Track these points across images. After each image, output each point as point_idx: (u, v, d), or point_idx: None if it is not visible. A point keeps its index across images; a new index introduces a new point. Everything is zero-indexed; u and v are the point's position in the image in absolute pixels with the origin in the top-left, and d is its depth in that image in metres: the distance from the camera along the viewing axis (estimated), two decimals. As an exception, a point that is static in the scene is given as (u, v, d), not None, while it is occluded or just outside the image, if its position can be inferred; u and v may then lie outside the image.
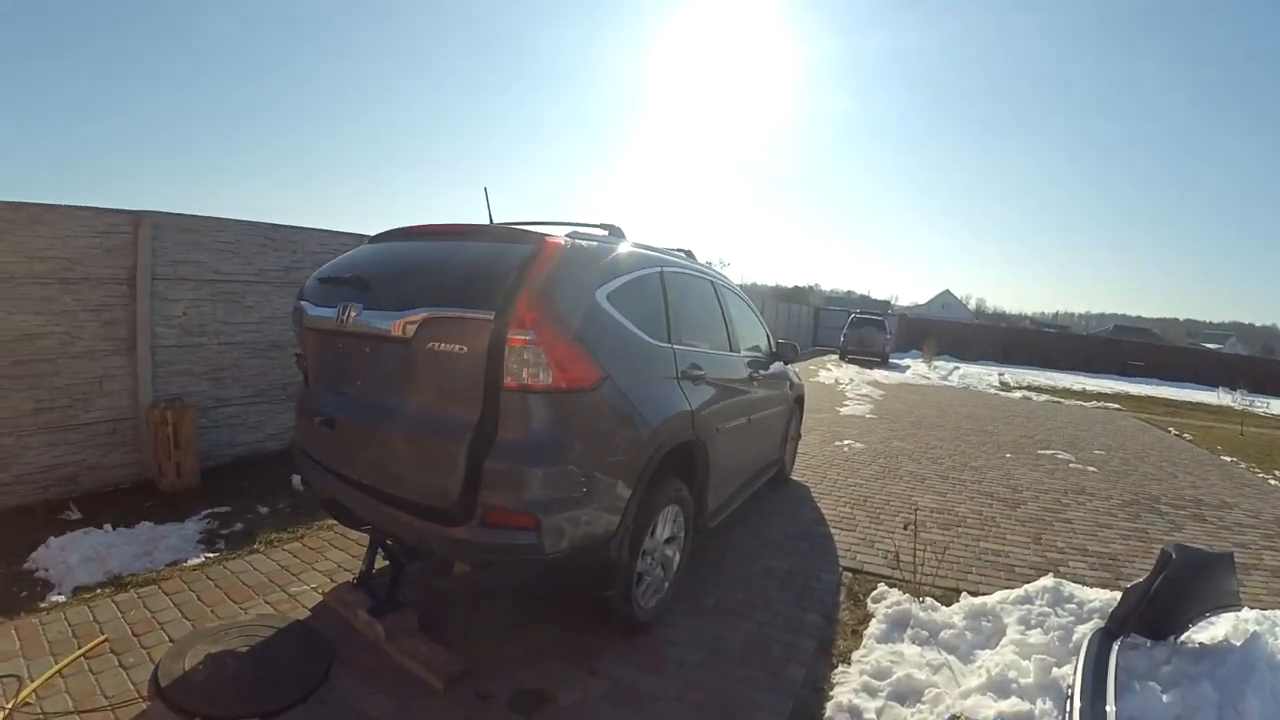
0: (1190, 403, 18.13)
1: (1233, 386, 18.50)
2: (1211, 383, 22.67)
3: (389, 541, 2.88)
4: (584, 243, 2.67)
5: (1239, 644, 2.67)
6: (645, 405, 2.70)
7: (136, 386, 4.34)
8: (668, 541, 3.07)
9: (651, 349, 2.87)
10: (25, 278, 3.84)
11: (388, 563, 3.00)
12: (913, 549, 3.81)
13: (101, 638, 2.68)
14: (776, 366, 4.80)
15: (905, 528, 4.06)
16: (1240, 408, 15.80)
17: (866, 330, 21.35)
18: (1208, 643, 2.76)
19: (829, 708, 2.53)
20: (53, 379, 3.99)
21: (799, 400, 5.77)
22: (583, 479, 2.38)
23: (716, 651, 2.89)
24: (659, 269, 3.15)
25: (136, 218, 4.23)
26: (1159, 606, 2.68)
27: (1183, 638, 2.77)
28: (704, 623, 3.14)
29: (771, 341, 4.89)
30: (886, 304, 54.32)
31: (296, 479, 4.69)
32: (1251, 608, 3.10)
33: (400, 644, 2.71)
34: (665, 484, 2.88)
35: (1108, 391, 18.83)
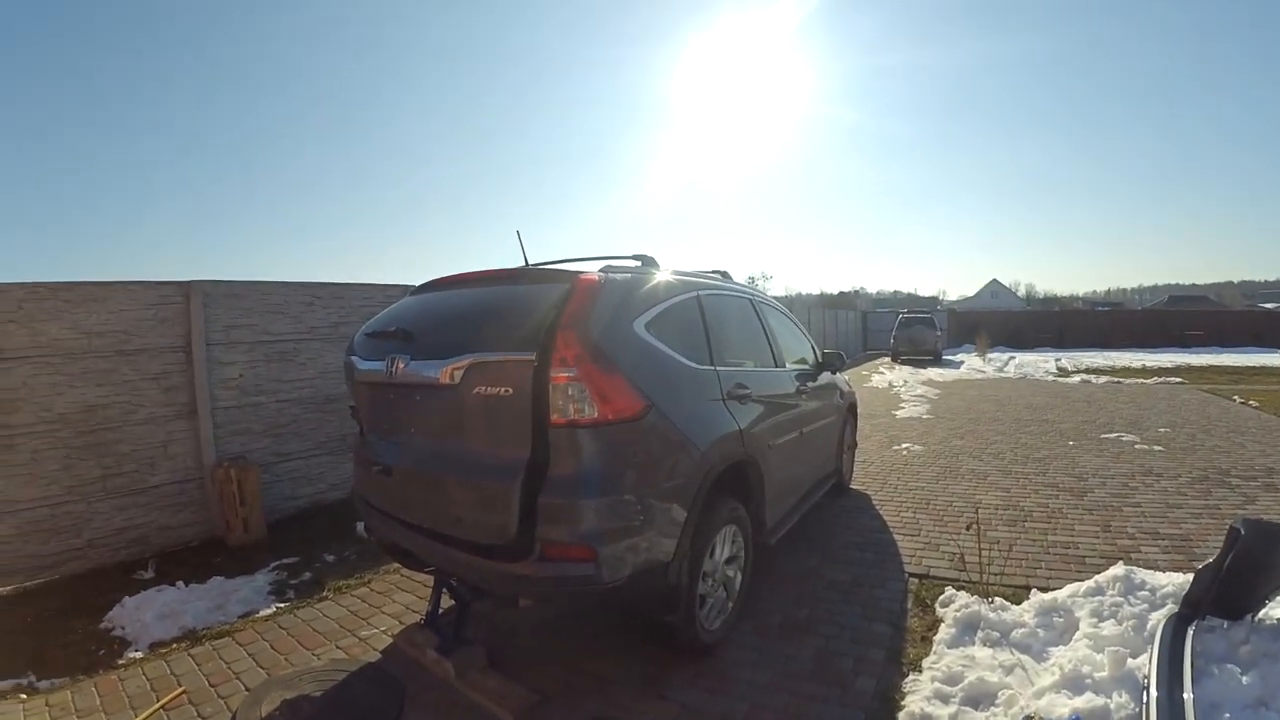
0: (1254, 367, 17.40)
1: None
2: (1274, 344, 21.81)
3: (453, 581, 2.99)
4: (618, 276, 2.76)
5: None
6: (692, 429, 2.76)
7: (199, 448, 4.62)
8: (728, 562, 3.11)
9: (694, 373, 2.93)
10: (85, 353, 4.15)
11: (454, 602, 3.12)
12: (977, 549, 3.79)
13: (180, 690, 2.82)
14: (825, 377, 4.82)
15: (968, 529, 4.03)
16: None
17: (916, 329, 21.04)
18: None
19: (901, 718, 2.54)
20: (118, 446, 4.28)
21: (851, 409, 5.77)
22: (637, 507, 2.44)
23: (785, 669, 2.92)
24: (695, 293, 3.23)
25: (186, 288, 4.53)
26: (1233, 585, 2.63)
27: (1260, 615, 2.69)
28: (771, 641, 3.17)
29: (817, 352, 4.92)
30: (935, 300, 53.57)
31: (360, 526, 4.84)
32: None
33: (470, 680, 2.81)
34: (721, 505, 2.94)
35: (1168, 365, 18.23)
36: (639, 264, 3.16)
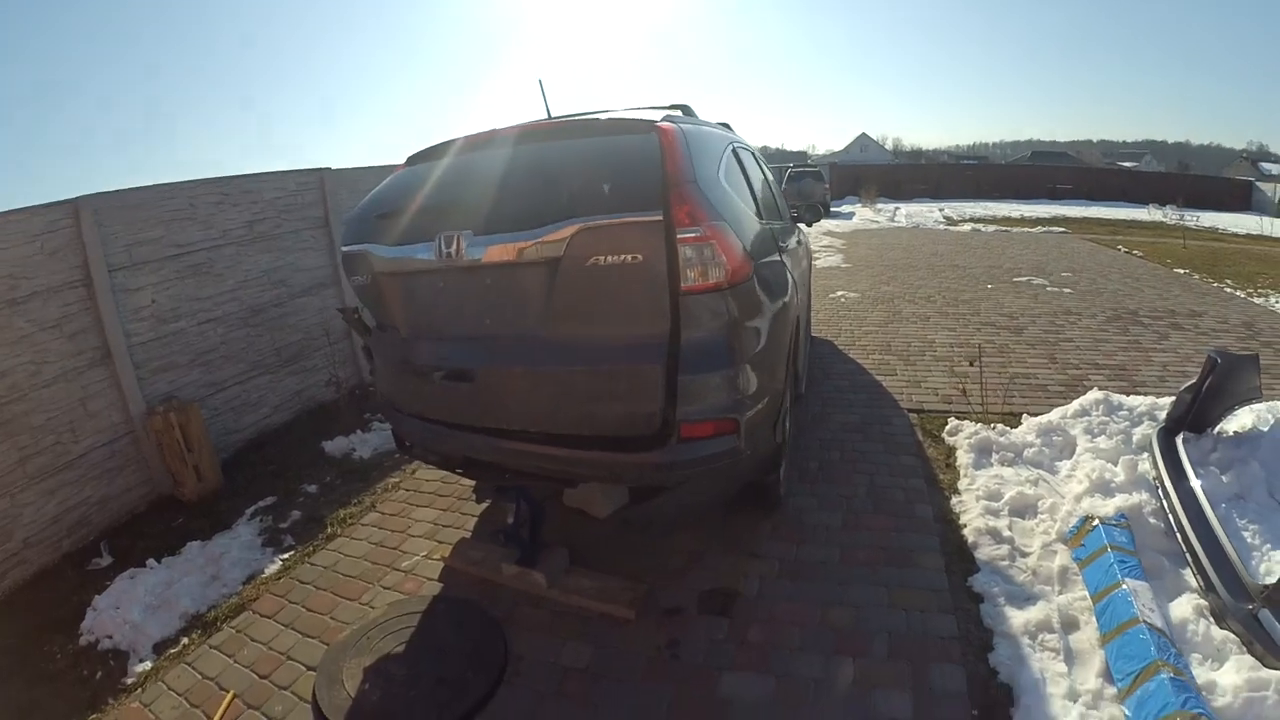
0: (1126, 221, 19.87)
1: (1161, 203, 20.44)
2: (1138, 201, 24.84)
3: (525, 487, 2.94)
4: (686, 126, 2.64)
5: (1266, 430, 3.43)
6: (779, 286, 2.90)
7: (123, 397, 4.19)
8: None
9: (761, 228, 3.01)
10: (-38, 311, 3.56)
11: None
12: (980, 382, 4.42)
13: (228, 695, 2.50)
14: (801, 227, 5.12)
15: (971, 364, 4.70)
16: (1173, 223, 17.60)
17: (805, 182, 22.27)
18: (1240, 431, 3.51)
19: (969, 534, 3.07)
20: (29, 419, 3.76)
21: (811, 258, 6.23)
22: (762, 370, 2.51)
23: (849, 509, 3.36)
24: (731, 144, 3.26)
25: (74, 207, 3.96)
26: (1203, 405, 3.38)
27: (1217, 429, 3.49)
28: (821, 485, 3.61)
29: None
30: (804, 154, 55.26)
31: (328, 445, 4.75)
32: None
33: (565, 586, 2.84)
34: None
35: (1046, 216, 20.47)
36: (680, 115, 3.03)
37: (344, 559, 3.40)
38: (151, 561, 3.54)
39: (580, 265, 2.27)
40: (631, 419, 2.39)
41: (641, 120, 2.56)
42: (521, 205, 2.42)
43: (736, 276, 2.36)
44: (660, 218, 2.20)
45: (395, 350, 2.97)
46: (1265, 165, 42.80)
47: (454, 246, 2.44)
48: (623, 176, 2.34)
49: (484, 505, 3.71)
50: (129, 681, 2.73)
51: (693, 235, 2.22)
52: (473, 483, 3.78)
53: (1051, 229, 16.53)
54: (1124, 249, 12.69)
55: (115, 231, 4.21)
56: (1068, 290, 8.43)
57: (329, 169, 5.87)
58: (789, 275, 3.25)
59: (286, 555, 3.56)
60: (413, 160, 3.05)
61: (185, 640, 2.94)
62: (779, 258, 3.18)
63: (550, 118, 3.18)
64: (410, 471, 4.27)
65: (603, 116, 2.88)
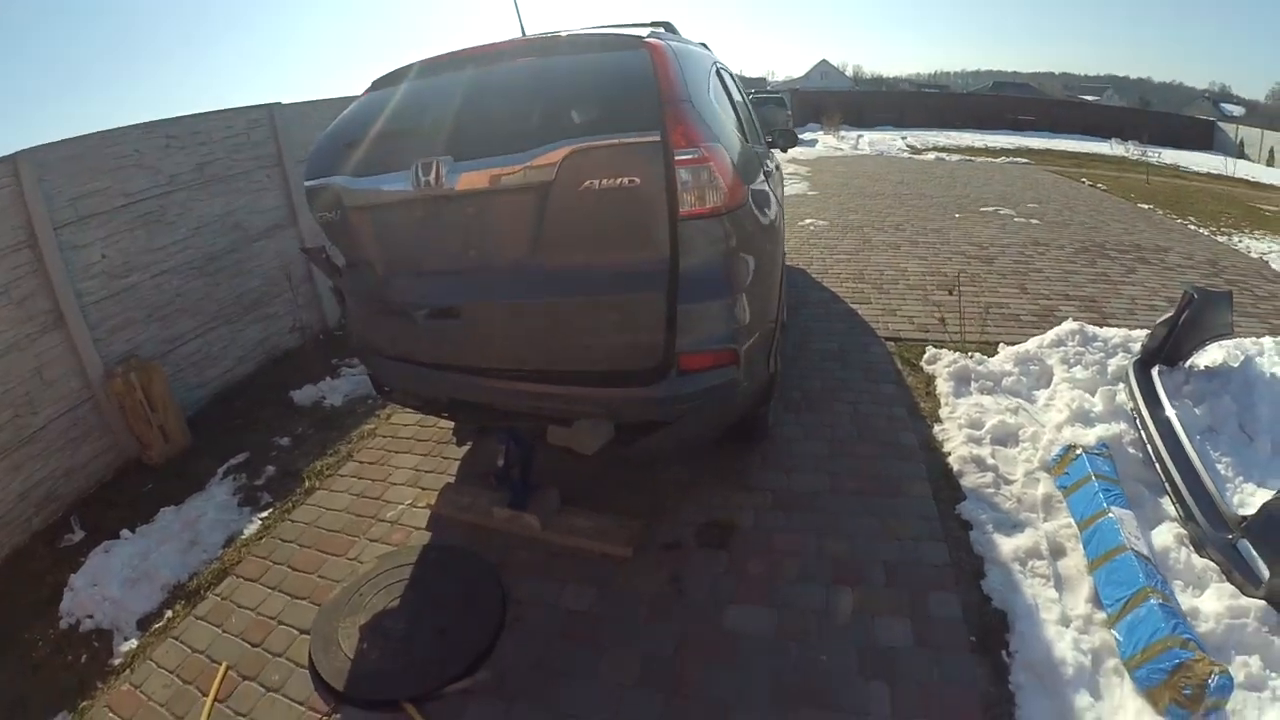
0: (1089, 154, 19.89)
1: (1124, 138, 20.56)
2: (1099, 134, 24.90)
3: (514, 428, 2.90)
4: (674, 43, 2.51)
5: (1236, 366, 3.54)
6: (771, 212, 2.83)
7: (80, 361, 3.98)
8: None
9: (748, 151, 2.90)
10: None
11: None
12: (959, 310, 4.45)
13: (221, 668, 2.42)
14: (775, 154, 5.03)
15: (950, 293, 4.74)
16: (1135, 158, 17.77)
17: (768, 109, 21.96)
18: (1211, 365, 3.62)
19: (954, 462, 3.12)
20: None
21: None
22: (758, 298, 2.44)
23: (833, 438, 3.40)
24: (715, 65, 3.13)
25: (13, 163, 3.66)
26: (1176, 339, 3.47)
27: (1188, 363, 3.60)
28: (804, 414, 3.64)
29: None
30: (763, 80, 53.88)
31: (297, 394, 4.62)
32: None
33: (559, 527, 2.83)
34: None
35: (1009, 147, 20.43)
36: (665, 32, 2.85)
37: (326, 513, 3.32)
38: (125, 532, 3.39)
39: (574, 190, 2.15)
40: (631, 352, 2.32)
41: (630, 36, 2.42)
42: (505, 127, 2.29)
43: (733, 200, 2.26)
44: (658, 138, 2.08)
45: (371, 289, 2.81)
46: (1226, 106, 43.34)
47: (433, 174, 2.30)
48: (614, 95, 2.22)
49: (465, 448, 3.64)
50: (116, 662, 2.63)
51: (690, 157, 2.12)
52: (452, 425, 3.69)
53: (1015, 159, 16.57)
54: (1088, 182, 12.74)
55: (58, 186, 3.93)
56: (1035, 221, 8.48)
57: (279, 104, 5.56)
58: (775, 200, 3.17)
59: (265, 514, 3.46)
60: (379, 84, 2.83)
61: (169, 613, 2.84)
62: (766, 183, 3.09)
63: (525, 36, 3.01)
64: (385, 417, 4.18)
65: (583, 33, 2.70)
